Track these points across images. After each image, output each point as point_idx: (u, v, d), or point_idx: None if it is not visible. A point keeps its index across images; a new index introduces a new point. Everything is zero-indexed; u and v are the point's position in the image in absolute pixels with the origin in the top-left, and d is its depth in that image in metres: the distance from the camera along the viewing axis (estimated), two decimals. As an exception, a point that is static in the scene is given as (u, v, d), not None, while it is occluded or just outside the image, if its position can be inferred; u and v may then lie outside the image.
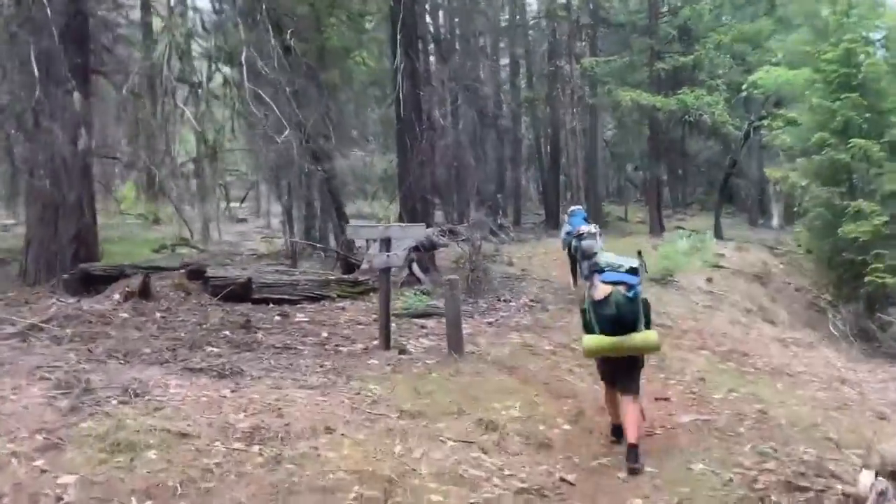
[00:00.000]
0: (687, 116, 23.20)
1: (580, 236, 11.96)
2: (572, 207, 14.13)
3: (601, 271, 5.42)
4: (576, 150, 21.00)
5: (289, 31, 9.77)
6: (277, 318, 8.72)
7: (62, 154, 7.88)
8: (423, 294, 10.37)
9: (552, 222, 24.90)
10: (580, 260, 11.71)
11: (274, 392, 5.59)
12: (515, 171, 25.93)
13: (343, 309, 9.58)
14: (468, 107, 15.25)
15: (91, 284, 8.82)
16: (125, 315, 7.99)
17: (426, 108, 12.91)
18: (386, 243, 7.14)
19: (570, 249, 12.70)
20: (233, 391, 5.54)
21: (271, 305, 9.50)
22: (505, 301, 11.03)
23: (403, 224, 7.17)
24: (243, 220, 32.27)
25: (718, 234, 24.40)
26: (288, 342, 7.33)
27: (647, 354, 5.79)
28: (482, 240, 13.76)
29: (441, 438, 5.17)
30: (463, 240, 13.38)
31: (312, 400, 5.53)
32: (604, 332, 5.33)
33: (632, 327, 5.32)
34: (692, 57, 23.62)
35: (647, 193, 27.73)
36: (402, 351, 7.22)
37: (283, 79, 9.26)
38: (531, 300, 11.50)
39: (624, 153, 37.34)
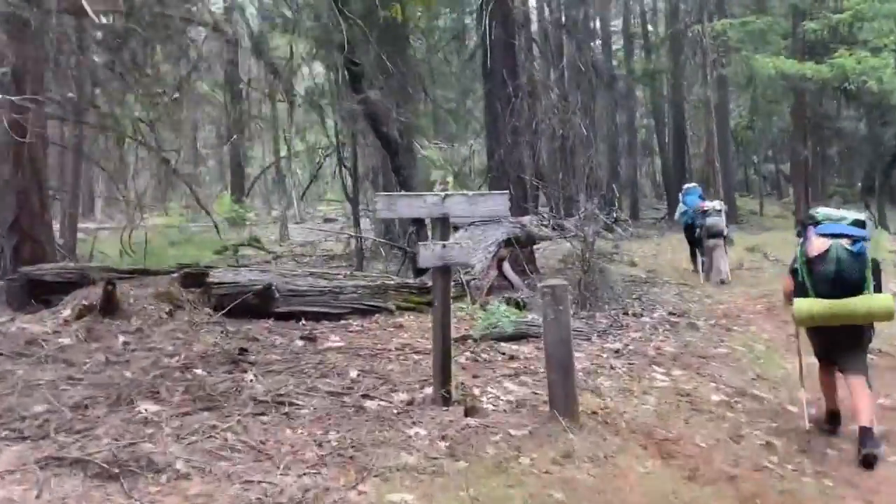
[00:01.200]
0: (847, 84, 18.96)
1: (704, 212, 11.38)
2: (686, 185, 13.28)
3: (817, 223, 4.61)
4: (711, 129, 17.24)
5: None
6: (299, 342, 5.91)
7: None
8: (517, 306, 7.34)
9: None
10: (705, 238, 11.38)
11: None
12: (632, 157, 22.35)
13: (400, 327, 6.70)
14: (577, 57, 11.88)
15: (44, 294, 6.31)
16: (67, 341, 5.37)
17: (521, 60, 9.84)
18: (443, 225, 4.18)
19: (688, 230, 12.23)
20: (102, 519, 2.72)
21: (302, 322, 6.76)
22: (634, 315, 7.82)
23: (472, 193, 4.17)
24: (332, 220, 30.24)
25: (883, 227, 20.23)
26: (286, 390, 4.47)
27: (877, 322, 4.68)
28: (596, 235, 10.62)
29: None
30: (572, 235, 10.31)
31: (260, 543, 2.63)
32: (820, 294, 4.46)
33: (856, 289, 4.40)
34: (850, 13, 19.40)
35: (793, 179, 23.51)
36: (471, 409, 4.21)
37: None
38: (670, 312, 8.26)
39: (751, 140, 32.91)
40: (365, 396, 4.46)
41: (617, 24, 27.77)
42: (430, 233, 7.74)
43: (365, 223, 16.46)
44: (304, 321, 6.83)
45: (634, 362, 5.84)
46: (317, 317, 6.95)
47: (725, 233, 11.48)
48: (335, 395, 4.45)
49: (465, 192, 4.19)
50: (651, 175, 38.32)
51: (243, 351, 5.29)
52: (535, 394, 4.63)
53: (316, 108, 10.54)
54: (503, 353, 5.81)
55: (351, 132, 12.14)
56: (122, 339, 5.56)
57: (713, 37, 18.83)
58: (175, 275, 6.62)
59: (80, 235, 21.53)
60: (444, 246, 4.09)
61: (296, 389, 4.51)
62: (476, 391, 4.60)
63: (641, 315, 7.90)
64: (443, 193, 4.12)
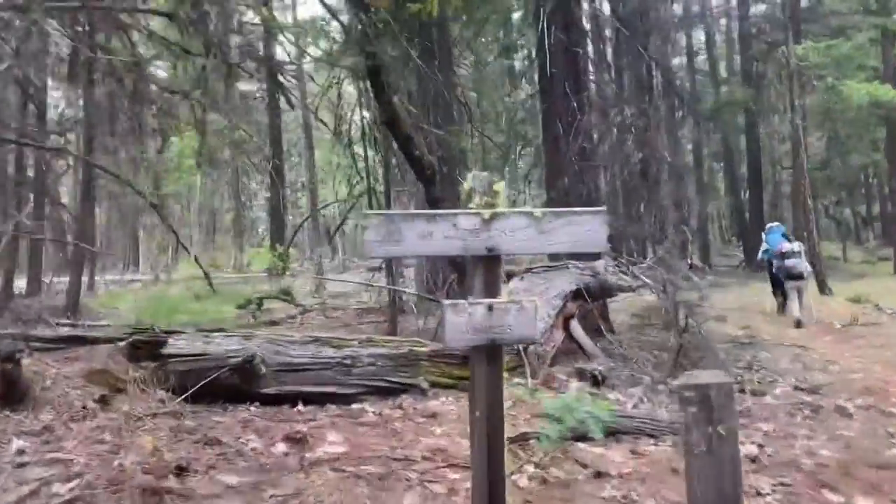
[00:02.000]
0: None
1: (783, 255, 11.34)
2: (770, 224, 13.10)
3: None
4: (802, 162, 15.14)
5: None
6: (280, 447, 4.04)
7: None
8: (594, 381, 5.36)
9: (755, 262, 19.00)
10: (784, 280, 11.39)
11: None
12: (702, 196, 20.23)
13: (432, 416, 4.78)
14: (653, 68, 9.88)
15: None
16: (-70, 447, 3.61)
17: (584, 69, 8.00)
18: (488, 270, 2.29)
19: (769, 270, 12.19)
20: None
21: (298, 407, 4.93)
22: (754, 393, 5.74)
23: (541, 211, 2.30)
24: (376, 269, 28.61)
25: None
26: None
27: None
28: (675, 285, 8.62)
29: None
30: (655, 286, 8.30)
31: None
32: None
33: None
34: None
35: (885, 222, 20.96)
36: None
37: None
38: (797, 387, 6.14)
39: (823, 180, 30.27)
40: (353, 575, 2.54)
41: (678, 60, 25.95)
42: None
43: (409, 272, 14.72)
44: (301, 406, 5.00)
45: (788, 482, 3.78)
46: (321, 399, 5.12)
47: (806, 275, 11.42)
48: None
49: (528, 209, 2.28)
50: (716, 218, 35.90)
51: (181, 471, 3.43)
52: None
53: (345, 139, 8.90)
54: (584, 466, 3.83)
55: (384, 167, 10.51)
56: (16, 444, 3.77)
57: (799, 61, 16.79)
58: (123, 343, 4.85)
59: (110, 288, 20.40)
60: (489, 308, 2.20)
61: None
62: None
63: (763, 393, 5.82)
64: (487, 212, 2.25)
